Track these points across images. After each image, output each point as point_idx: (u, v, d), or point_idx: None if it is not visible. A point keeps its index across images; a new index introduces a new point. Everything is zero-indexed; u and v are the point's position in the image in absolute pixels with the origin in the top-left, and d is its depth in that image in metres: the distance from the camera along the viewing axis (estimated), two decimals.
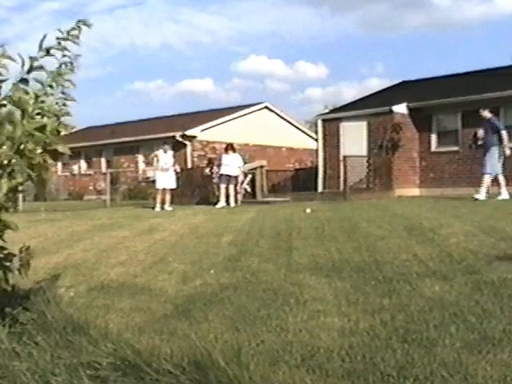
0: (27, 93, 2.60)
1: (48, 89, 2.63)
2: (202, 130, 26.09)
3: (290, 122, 30.75)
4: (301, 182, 23.53)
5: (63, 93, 2.67)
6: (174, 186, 15.25)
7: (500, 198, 11.77)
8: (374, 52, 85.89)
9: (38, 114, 2.57)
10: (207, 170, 17.70)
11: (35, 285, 3.64)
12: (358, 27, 78.72)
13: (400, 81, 25.07)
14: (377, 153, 18.78)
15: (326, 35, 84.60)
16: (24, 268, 2.93)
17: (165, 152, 15.23)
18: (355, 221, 8.33)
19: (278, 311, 3.50)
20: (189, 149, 25.79)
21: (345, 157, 17.81)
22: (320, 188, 20.24)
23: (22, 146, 2.45)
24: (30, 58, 2.63)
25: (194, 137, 25.84)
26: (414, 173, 19.17)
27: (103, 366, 2.28)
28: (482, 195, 11.78)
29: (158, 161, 15.18)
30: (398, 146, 18.71)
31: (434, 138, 19.00)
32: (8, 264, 2.90)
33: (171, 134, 25.24)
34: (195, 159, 25.56)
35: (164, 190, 15.00)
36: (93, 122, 36.03)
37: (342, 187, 17.78)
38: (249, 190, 17.93)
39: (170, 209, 14.55)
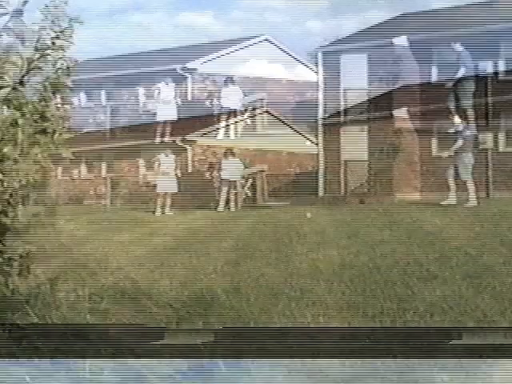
0: (25, 97, 2.59)
1: (49, 94, 2.63)
2: (202, 135, 26.03)
3: (290, 127, 30.67)
4: (301, 186, 23.51)
5: (62, 98, 2.67)
6: (175, 189, 15.24)
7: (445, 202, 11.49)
8: None
9: (40, 117, 2.57)
10: (208, 175, 17.69)
11: (35, 289, 3.62)
12: None
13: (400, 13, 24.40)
14: (378, 157, 18.75)
15: None
16: (24, 272, 2.92)
17: (166, 156, 15.24)
18: (356, 225, 8.29)
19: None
20: (189, 153, 25.76)
21: (345, 161, 17.80)
22: (321, 192, 20.21)
23: (25, 150, 2.45)
24: (27, 59, 2.63)
25: (194, 141, 25.81)
26: (414, 177, 19.13)
27: (103, 298, 2.24)
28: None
29: (159, 165, 15.19)
30: (398, 150, 18.68)
31: (434, 142, 18.97)
32: (8, 269, 2.89)
33: (171, 138, 25.20)
34: (196, 163, 25.53)
35: (165, 193, 14.98)
36: (93, 125, 35.83)
37: (342, 192, 17.76)
38: (249, 194, 17.91)
39: (170, 213, 14.53)
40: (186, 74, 25.07)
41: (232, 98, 15.28)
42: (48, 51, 2.67)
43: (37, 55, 2.65)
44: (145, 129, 22.01)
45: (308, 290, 4.23)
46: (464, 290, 3.53)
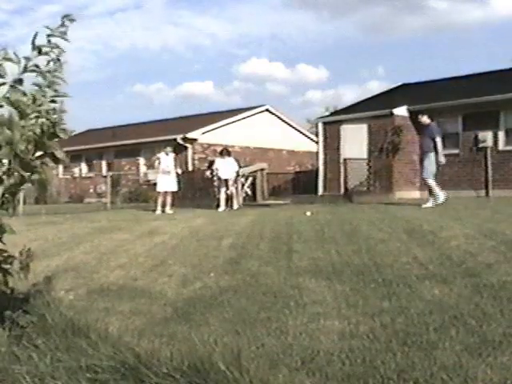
0: (25, 94, 2.60)
1: (46, 90, 2.63)
2: (203, 133, 26.12)
3: (290, 125, 30.78)
4: (301, 184, 23.56)
5: (55, 90, 2.67)
6: (175, 188, 15.25)
7: (425, 206, 11.25)
8: (374, 55, 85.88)
9: (36, 116, 2.57)
10: (208, 173, 17.68)
11: (35, 287, 3.64)
12: (358, 30, 78.85)
13: (400, 83, 25.09)
14: (377, 155, 18.79)
15: (326, 38, 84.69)
16: (24, 271, 2.93)
17: (166, 155, 15.24)
18: (355, 224, 8.32)
19: (279, 314, 3.50)
20: (190, 151, 25.82)
21: (345, 159, 17.82)
22: (320, 191, 20.26)
23: (18, 149, 2.45)
24: (25, 58, 2.63)
25: (195, 139, 25.86)
26: (414, 175, 19.18)
27: (103, 369, 2.28)
28: (440, 198, 11.40)
29: (159, 163, 15.18)
30: (398, 148, 18.73)
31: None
32: (8, 267, 2.89)
33: (172, 136, 25.26)
34: (196, 162, 25.58)
35: (165, 192, 15.00)
36: (94, 125, 36.10)
37: (342, 190, 17.79)
38: (249, 192, 17.93)
39: (170, 212, 14.55)
40: (187, 144, 25.27)
41: (228, 169, 15.46)
42: (45, 49, 2.66)
43: (34, 53, 2.65)
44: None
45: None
46: None
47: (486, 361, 2.48)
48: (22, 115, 2.50)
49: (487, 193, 17.25)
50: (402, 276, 4.43)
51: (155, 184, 15.53)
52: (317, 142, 22.04)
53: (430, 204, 11.35)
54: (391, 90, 24.82)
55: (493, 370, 2.37)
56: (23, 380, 2.24)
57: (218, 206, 15.29)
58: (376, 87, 76.13)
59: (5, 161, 2.50)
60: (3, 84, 2.61)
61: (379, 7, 76.41)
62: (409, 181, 18.88)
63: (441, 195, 11.37)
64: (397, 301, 3.69)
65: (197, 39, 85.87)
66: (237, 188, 15.97)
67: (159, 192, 15.03)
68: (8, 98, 2.53)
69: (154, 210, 14.71)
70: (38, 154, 2.61)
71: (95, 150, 29.97)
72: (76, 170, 30.85)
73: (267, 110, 29.65)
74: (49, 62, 2.67)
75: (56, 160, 2.70)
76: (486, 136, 17.48)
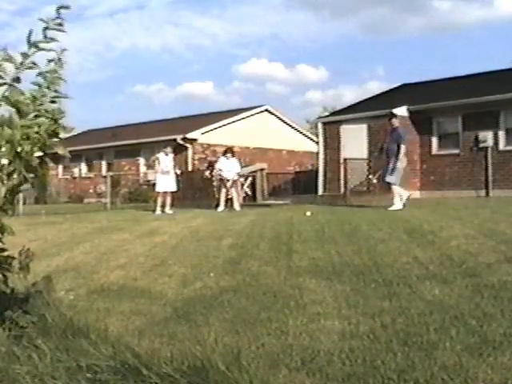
0: (23, 93, 2.59)
1: (45, 90, 2.62)
2: (203, 133, 26.11)
3: (290, 125, 30.77)
4: (301, 184, 23.55)
5: (55, 91, 2.65)
6: (174, 188, 15.24)
7: (391, 208, 11.18)
8: (375, 55, 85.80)
9: (36, 116, 2.56)
10: (207, 173, 17.68)
11: (34, 287, 3.63)
12: (358, 31, 78.77)
13: (400, 84, 25.08)
14: (377, 156, 18.77)
15: (327, 39, 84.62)
16: (24, 271, 2.92)
17: (166, 155, 15.23)
18: (355, 223, 8.32)
19: (278, 314, 3.50)
20: (190, 152, 25.81)
21: (345, 159, 17.80)
22: (320, 191, 20.25)
23: (19, 149, 2.44)
24: (22, 54, 2.61)
25: (195, 140, 25.85)
26: (414, 175, 19.17)
27: (103, 369, 2.27)
28: (397, 204, 11.32)
29: (159, 163, 15.17)
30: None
31: (434, 140, 19.00)
32: (7, 267, 2.89)
33: (172, 136, 25.26)
34: (196, 162, 25.57)
35: (165, 192, 14.99)
36: (94, 125, 36.08)
37: (342, 190, 17.77)
38: (249, 192, 17.91)
39: (170, 212, 14.54)
40: (187, 144, 25.27)
41: (231, 169, 15.47)
42: (41, 44, 2.64)
43: (32, 50, 2.64)
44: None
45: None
46: None
47: (487, 361, 2.48)
48: (22, 114, 2.49)
49: (487, 193, 17.24)
50: (403, 276, 4.43)
51: (155, 184, 15.53)
52: (317, 142, 22.03)
53: (396, 206, 11.25)
54: (391, 90, 24.81)
55: (493, 370, 2.37)
56: (23, 380, 2.23)
57: (217, 205, 15.28)
58: (376, 87, 76.14)
59: (5, 161, 2.50)
60: (3, 84, 2.60)
61: (380, 8, 76.41)
62: (409, 181, 18.85)
63: (400, 203, 11.26)
64: (397, 301, 3.68)
65: (197, 39, 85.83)
66: (237, 189, 15.95)
67: (158, 192, 15.03)
68: (7, 97, 2.52)
69: (154, 210, 14.70)
70: (38, 154, 2.61)
71: (95, 150, 29.95)
72: (76, 170, 30.84)
73: (267, 110, 29.64)
74: (49, 61, 2.66)
75: (55, 160, 2.69)
76: (487, 136, 17.47)
